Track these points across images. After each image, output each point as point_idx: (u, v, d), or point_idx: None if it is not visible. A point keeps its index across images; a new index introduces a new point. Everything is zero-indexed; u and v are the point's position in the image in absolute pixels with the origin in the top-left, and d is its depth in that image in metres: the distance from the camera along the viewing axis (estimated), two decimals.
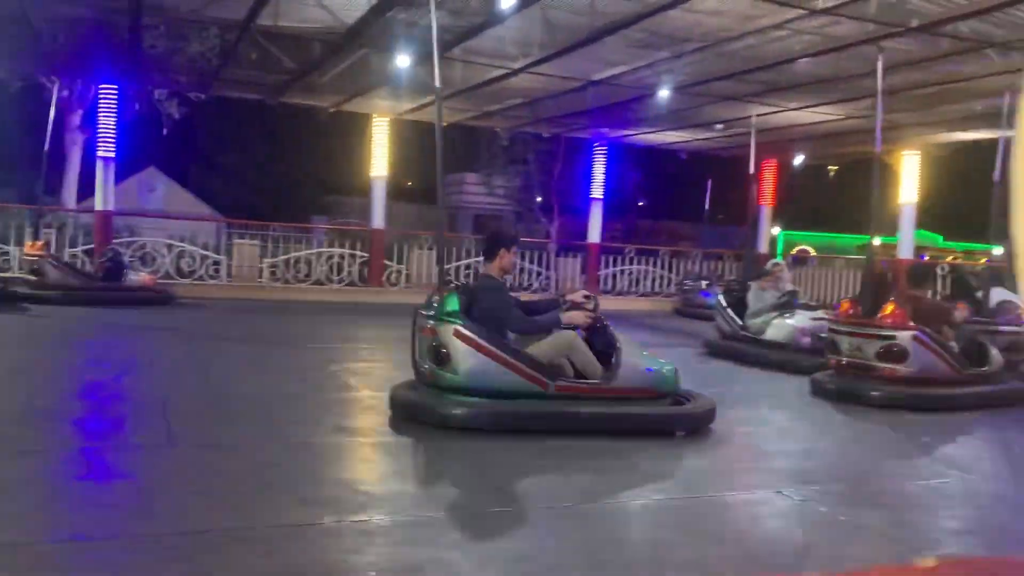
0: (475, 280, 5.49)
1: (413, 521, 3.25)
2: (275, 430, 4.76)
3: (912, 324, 6.55)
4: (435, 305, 4.99)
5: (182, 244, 14.13)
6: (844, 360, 6.87)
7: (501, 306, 5.05)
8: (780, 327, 8.69)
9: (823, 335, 8.02)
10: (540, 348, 5.02)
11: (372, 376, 7.00)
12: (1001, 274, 9.66)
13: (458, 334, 4.78)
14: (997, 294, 8.51)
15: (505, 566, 2.85)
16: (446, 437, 4.65)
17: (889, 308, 6.67)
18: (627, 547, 3.16)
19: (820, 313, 8.88)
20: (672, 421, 5.09)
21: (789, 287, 9.47)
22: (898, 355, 6.50)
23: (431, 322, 4.93)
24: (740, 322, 9.20)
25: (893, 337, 6.53)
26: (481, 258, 5.76)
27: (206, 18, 10.26)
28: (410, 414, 4.95)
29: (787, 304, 8.95)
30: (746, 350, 8.81)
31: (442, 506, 3.46)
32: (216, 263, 14.05)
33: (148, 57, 11.86)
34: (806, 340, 8.40)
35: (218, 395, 5.70)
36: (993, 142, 10.03)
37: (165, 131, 19.86)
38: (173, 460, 3.99)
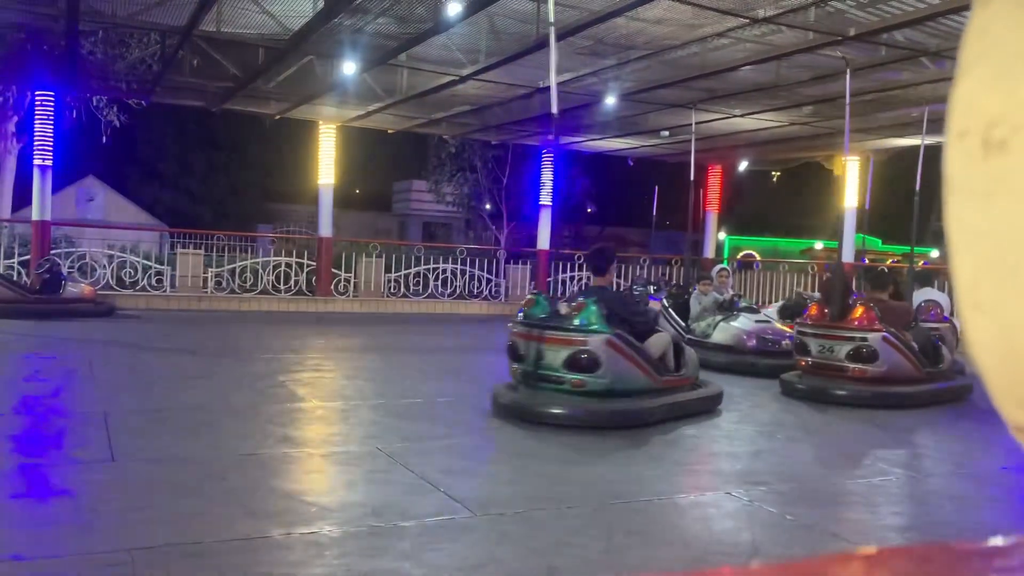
0: (588, 291, 6.16)
1: (364, 532, 3.21)
2: (221, 442, 4.67)
3: (880, 326, 6.85)
4: (559, 315, 5.71)
5: (123, 254, 13.80)
6: (813, 361, 7.13)
7: (636, 312, 6.08)
8: (726, 330, 8.88)
9: (767, 337, 8.52)
10: (654, 347, 5.84)
11: (321, 387, 6.92)
12: (929, 275, 10.06)
13: (611, 344, 5.48)
14: (923, 294, 8.97)
15: None
16: (398, 445, 4.62)
17: (858, 311, 6.98)
18: (577, 551, 3.17)
19: (763, 316, 9.18)
20: (714, 402, 6.21)
21: (731, 292, 9.71)
22: (869, 356, 6.79)
23: (574, 333, 5.52)
24: (684, 325, 9.36)
25: (864, 339, 6.83)
26: (590, 270, 6.58)
27: (147, 24, 10.07)
28: (519, 414, 5.49)
29: (730, 307, 9.17)
30: None
31: (394, 516, 3.43)
32: (159, 273, 13.75)
33: (86, 63, 11.58)
34: (752, 342, 8.62)
35: (161, 408, 5.57)
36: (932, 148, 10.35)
37: (105, 139, 19.38)
38: (115, 475, 3.88)
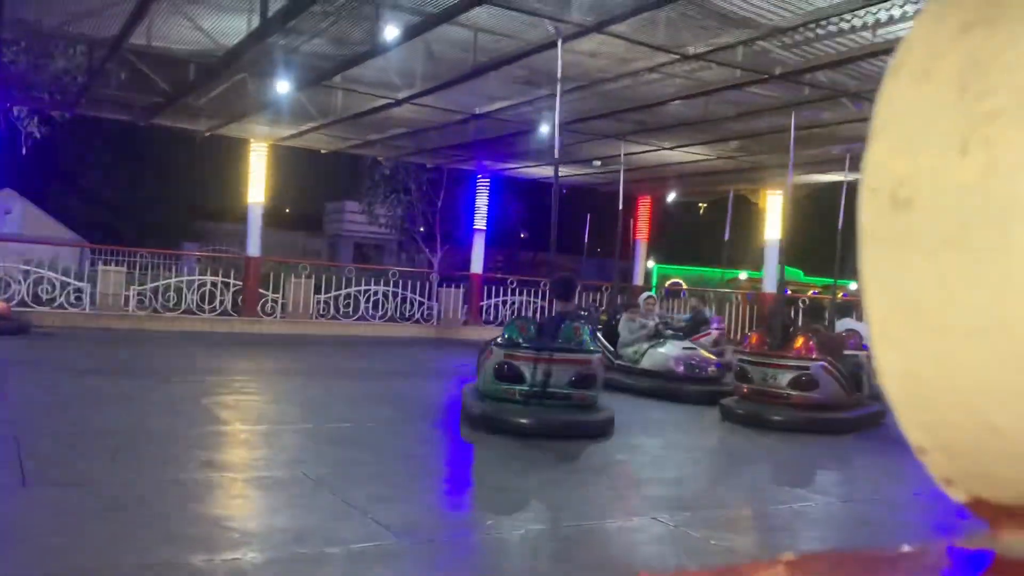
0: (558, 316, 6.97)
1: (288, 558, 3.15)
2: (140, 467, 4.52)
3: (819, 355, 7.22)
4: (559, 338, 6.40)
5: (40, 270, 13.30)
6: (751, 388, 7.38)
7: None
8: (654, 356, 9.05)
9: (694, 363, 8.78)
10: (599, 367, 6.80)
11: (245, 410, 6.77)
12: (849, 306, 10.51)
13: (601, 361, 6.60)
14: (844, 323, 9.41)
15: None
16: (325, 470, 4.55)
17: (799, 341, 7.37)
18: None
19: (689, 343, 9.40)
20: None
21: (657, 319, 9.94)
22: (809, 383, 7.12)
23: (580, 353, 6.33)
24: (613, 350, 9.49)
25: (806, 368, 7.16)
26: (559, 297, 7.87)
27: (73, 34, 9.80)
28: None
29: (658, 334, 9.35)
30: (620, 379, 9.09)
31: (319, 542, 3.37)
32: (78, 290, 13.27)
33: (7, 73, 11.19)
34: (680, 368, 8.80)
35: (78, 431, 5.37)
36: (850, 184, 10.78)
37: (24, 151, 18.72)
38: (27, 500, 3.73)
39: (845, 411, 7.34)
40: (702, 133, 12.09)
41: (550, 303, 17.52)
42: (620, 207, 12.11)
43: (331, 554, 3.25)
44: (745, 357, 7.60)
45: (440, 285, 17.29)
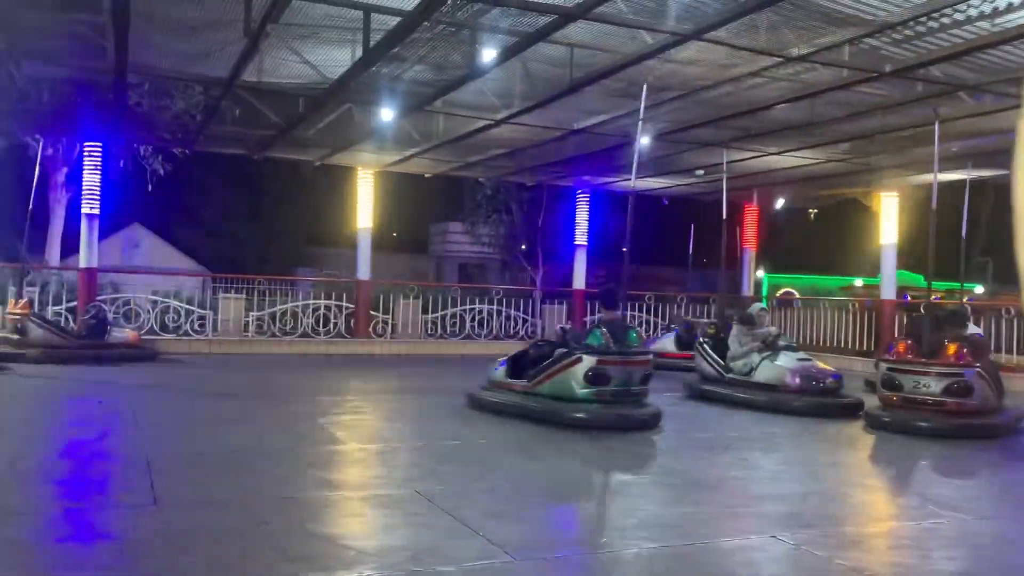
0: (602, 322, 7.74)
1: None
2: (261, 485, 4.69)
3: (972, 361, 7.16)
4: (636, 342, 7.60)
5: (166, 299, 14.06)
6: (904, 397, 7.28)
7: None
8: (769, 368, 8.77)
9: (811, 375, 8.53)
10: None
11: (359, 429, 6.94)
12: (969, 312, 10.04)
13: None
14: (970, 329, 9.14)
15: None
16: (438, 488, 4.60)
17: (952, 348, 7.32)
18: None
19: (803, 354, 9.10)
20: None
21: (772, 329, 9.57)
22: (964, 390, 7.04)
23: (643, 355, 7.44)
24: (723, 364, 9.26)
25: (960, 374, 7.08)
26: (600, 309, 8.79)
27: (191, 76, 10.37)
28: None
29: (771, 346, 9.03)
30: (731, 393, 8.90)
31: (434, 560, 3.40)
32: (201, 318, 13.96)
33: (133, 114, 11.94)
34: (796, 381, 8.51)
35: (203, 451, 5.62)
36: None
37: (150, 187, 19.91)
38: (157, 519, 3.92)
39: (993, 416, 7.26)
40: (809, 136, 11.71)
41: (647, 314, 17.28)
42: (724, 216, 11.84)
43: (446, 573, 3.27)
44: (893, 365, 7.49)
45: (543, 302, 17.32)
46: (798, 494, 5.01)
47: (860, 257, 26.94)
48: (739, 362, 9.11)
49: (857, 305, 17.25)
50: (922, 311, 8.26)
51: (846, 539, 4.01)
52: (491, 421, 7.38)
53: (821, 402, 8.32)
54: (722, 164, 12.54)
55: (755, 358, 8.97)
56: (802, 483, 5.38)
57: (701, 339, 9.88)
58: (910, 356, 7.47)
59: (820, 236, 32.32)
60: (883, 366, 7.63)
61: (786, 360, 8.78)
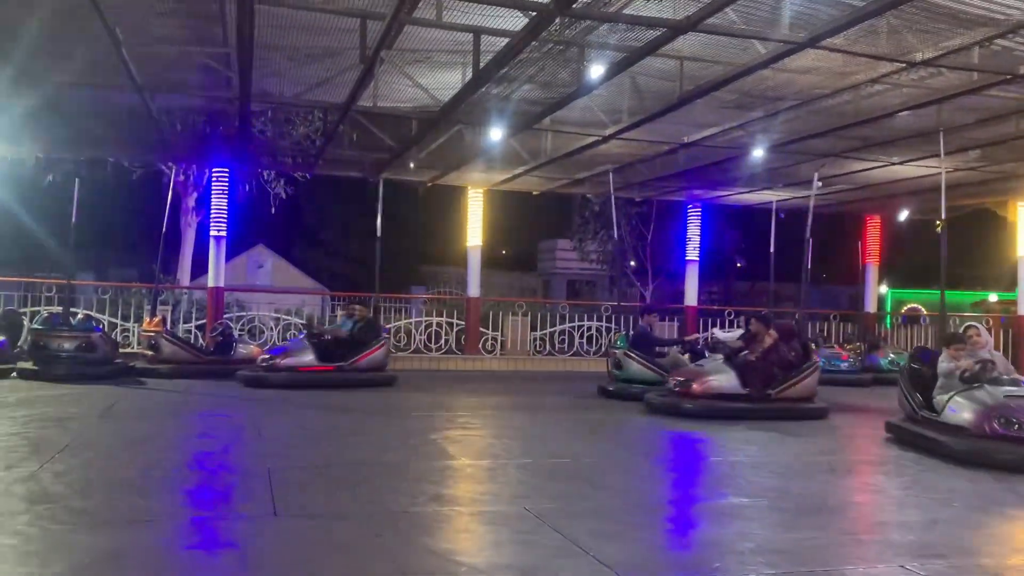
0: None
1: None
2: (376, 499, 4.79)
3: None
4: None
5: (288, 317, 14.63)
6: None
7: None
8: (960, 404, 6.81)
9: (1016, 418, 6.40)
10: None
11: (470, 444, 7.00)
12: None
13: None
14: None
15: None
16: (546, 505, 4.58)
17: None
18: None
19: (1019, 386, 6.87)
20: None
21: (986, 354, 7.39)
22: None
23: None
24: (920, 401, 7.46)
25: None
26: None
27: (310, 102, 10.80)
28: None
29: (976, 377, 6.96)
30: (925, 434, 7.04)
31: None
32: None
33: (257, 141, 12.54)
34: (991, 424, 6.45)
35: (321, 464, 5.80)
36: None
37: (273, 210, 20.83)
38: (276, 530, 4.05)
39: None
40: (936, 144, 11.09)
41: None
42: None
43: None
44: None
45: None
46: (927, 520, 4.71)
47: (995, 270, 25.39)
48: (943, 397, 7.09)
49: (991, 321, 16.23)
50: None
51: (980, 570, 3.74)
52: (601, 439, 7.29)
53: None
54: (842, 175, 12.07)
55: (951, 391, 7.05)
56: (930, 510, 5.07)
57: (905, 366, 8.16)
58: None
59: (950, 249, 30.63)
60: None
61: (986, 395, 6.70)
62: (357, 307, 11.98)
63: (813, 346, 10.34)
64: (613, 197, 12.75)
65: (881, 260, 17.77)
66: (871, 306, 17.26)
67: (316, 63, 9.10)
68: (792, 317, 17.28)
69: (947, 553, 4.00)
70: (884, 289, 23.53)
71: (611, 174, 12.67)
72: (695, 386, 8.84)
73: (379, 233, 12.77)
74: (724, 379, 8.92)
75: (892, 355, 14.28)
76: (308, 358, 10.79)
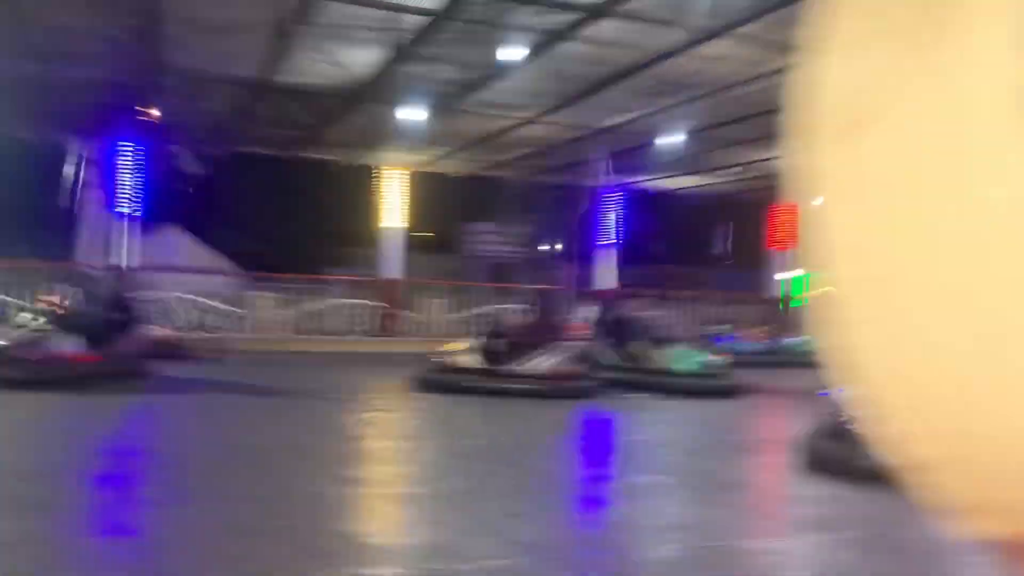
0: None
1: (419, 574, 3.17)
2: (286, 482, 4.70)
3: None
4: None
5: (201, 299, 14.22)
6: None
7: None
8: None
9: None
10: None
11: (384, 425, 6.95)
12: None
13: None
14: None
15: None
16: (460, 486, 4.58)
17: None
18: None
19: None
20: None
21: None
22: None
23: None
24: None
25: None
26: None
27: (222, 76, 10.47)
28: None
29: None
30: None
31: (453, 559, 3.38)
32: (238, 317, 14.10)
33: (166, 116, 12.10)
34: None
35: (230, 447, 5.66)
36: None
37: (187, 189, 20.14)
38: (181, 515, 3.94)
39: None
40: None
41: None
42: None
43: (463, 571, 3.24)
44: None
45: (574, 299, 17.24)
46: None
47: None
48: None
49: None
50: None
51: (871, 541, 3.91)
52: (518, 421, 7.35)
53: None
54: (757, 162, 12.41)
55: None
56: None
57: None
58: None
59: None
60: None
61: None
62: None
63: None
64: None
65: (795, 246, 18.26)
66: (775, 291, 17.74)
67: (229, 36, 8.82)
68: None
69: (852, 526, 4.16)
70: (799, 273, 24.25)
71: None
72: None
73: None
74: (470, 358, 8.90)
75: (800, 338, 14.75)
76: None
